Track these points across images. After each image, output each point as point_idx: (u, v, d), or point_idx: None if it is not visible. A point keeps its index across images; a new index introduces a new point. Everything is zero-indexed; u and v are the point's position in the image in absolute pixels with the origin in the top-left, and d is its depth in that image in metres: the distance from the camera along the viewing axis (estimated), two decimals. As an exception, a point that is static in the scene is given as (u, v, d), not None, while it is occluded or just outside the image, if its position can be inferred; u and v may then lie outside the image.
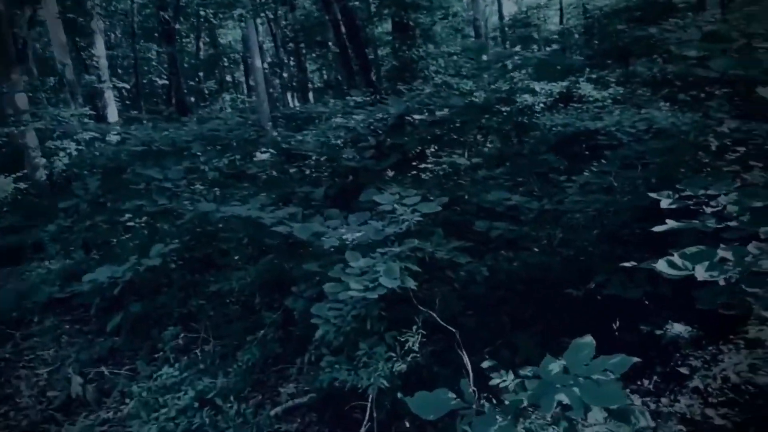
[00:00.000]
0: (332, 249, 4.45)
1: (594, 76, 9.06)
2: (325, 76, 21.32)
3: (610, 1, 12.08)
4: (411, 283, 3.70)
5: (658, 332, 4.47)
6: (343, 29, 10.76)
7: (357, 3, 12.94)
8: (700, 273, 2.16)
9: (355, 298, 3.67)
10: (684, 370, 4.28)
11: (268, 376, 5.07)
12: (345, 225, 4.73)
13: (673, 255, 2.24)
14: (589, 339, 2.28)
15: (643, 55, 9.07)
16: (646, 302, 4.47)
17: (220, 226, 6.12)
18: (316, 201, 6.29)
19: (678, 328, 4.45)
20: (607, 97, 8.07)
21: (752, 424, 3.70)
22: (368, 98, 7.78)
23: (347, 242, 4.33)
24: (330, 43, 16.33)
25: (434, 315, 3.99)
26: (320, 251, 4.79)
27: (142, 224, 7.10)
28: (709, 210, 2.62)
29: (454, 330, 3.75)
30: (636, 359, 2.16)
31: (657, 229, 2.64)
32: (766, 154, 3.60)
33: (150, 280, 6.17)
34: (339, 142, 7.13)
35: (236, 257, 6.17)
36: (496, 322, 4.83)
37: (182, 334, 5.65)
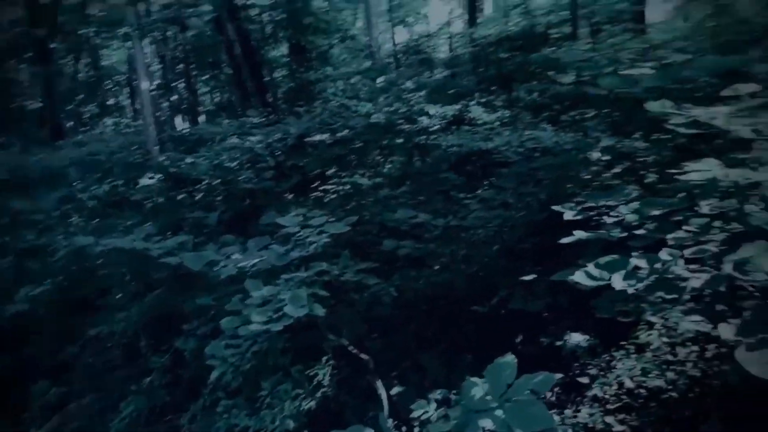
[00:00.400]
0: (229, 279, 4.13)
1: (483, 100, 9.52)
2: (218, 98, 20.59)
3: (494, 31, 12.81)
4: (319, 310, 3.49)
5: (558, 343, 4.60)
6: (237, 50, 10.47)
7: (251, 26, 12.67)
8: (618, 281, 2.19)
9: (257, 331, 3.39)
10: (583, 380, 4.42)
11: (156, 428, 4.56)
12: (243, 251, 4.43)
13: (585, 266, 2.26)
14: (510, 358, 2.23)
15: (524, 81, 9.71)
16: (546, 314, 4.60)
17: (100, 261, 5.51)
18: (209, 227, 5.88)
19: (576, 338, 4.60)
20: (495, 120, 8.49)
21: (647, 428, 3.86)
22: (265, 119, 7.54)
23: (246, 270, 4.04)
24: (224, 65, 15.82)
25: (346, 343, 3.81)
26: (216, 282, 4.43)
27: (6, 265, 6.24)
28: (610, 220, 2.71)
29: (367, 358, 3.59)
30: (559, 375, 2.13)
31: (565, 240, 2.68)
32: (646, 167, 3.86)
33: (15, 329, 5.40)
34: (234, 164, 6.78)
35: (119, 296, 5.56)
36: (402, 344, 4.74)
37: (54, 389, 4.95)
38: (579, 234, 2.64)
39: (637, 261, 2.21)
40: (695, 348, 4.27)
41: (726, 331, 1.80)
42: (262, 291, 3.69)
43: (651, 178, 3.76)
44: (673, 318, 4.27)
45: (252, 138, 6.88)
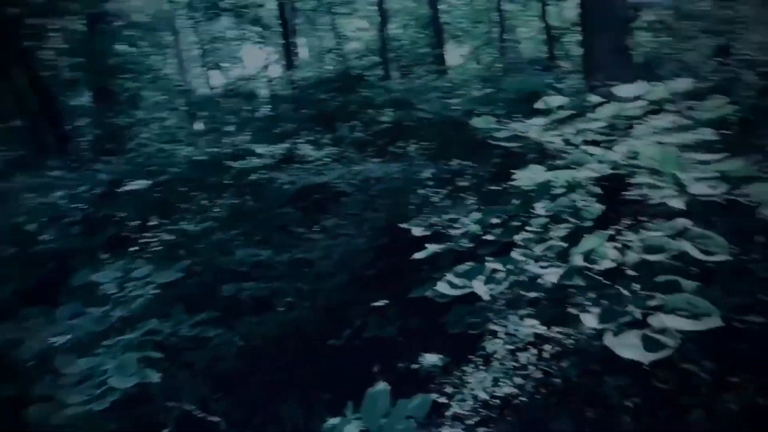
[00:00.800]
0: (37, 359, 3.45)
1: (311, 138, 9.62)
2: (6, 155, 17.83)
3: (312, 74, 13.16)
4: (153, 376, 3.03)
5: (415, 366, 4.59)
6: (30, 98, 9.27)
7: (47, 72, 11.26)
8: (479, 287, 2.20)
9: (75, 415, 2.84)
10: (443, 399, 4.44)
11: None
12: (50, 323, 3.74)
13: (443, 276, 2.24)
14: (382, 386, 2.10)
15: (345, 120, 10.12)
16: (400, 338, 4.58)
17: None
18: (2, 303, 4.90)
19: (431, 359, 4.63)
20: (324, 156, 8.63)
21: (505, 436, 3.98)
22: (68, 170, 6.63)
23: (56, 344, 3.41)
24: (13, 116, 13.78)
25: (189, 408, 3.36)
26: (18, 367, 3.66)
27: None
28: (455, 232, 2.77)
29: (218, 419, 3.20)
30: (434, 396, 2.04)
31: (418, 255, 2.68)
32: (472, 182, 4.12)
33: None
34: (32, 225, 5.79)
35: None
36: (254, 395, 4.36)
37: None
38: (432, 247, 2.66)
39: (492, 265, 2.26)
40: (534, 351, 4.55)
41: (589, 320, 1.90)
42: (77, 366, 3.14)
43: (480, 191, 4.02)
44: (511, 325, 4.53)
45: (54, 193, 5.98)
